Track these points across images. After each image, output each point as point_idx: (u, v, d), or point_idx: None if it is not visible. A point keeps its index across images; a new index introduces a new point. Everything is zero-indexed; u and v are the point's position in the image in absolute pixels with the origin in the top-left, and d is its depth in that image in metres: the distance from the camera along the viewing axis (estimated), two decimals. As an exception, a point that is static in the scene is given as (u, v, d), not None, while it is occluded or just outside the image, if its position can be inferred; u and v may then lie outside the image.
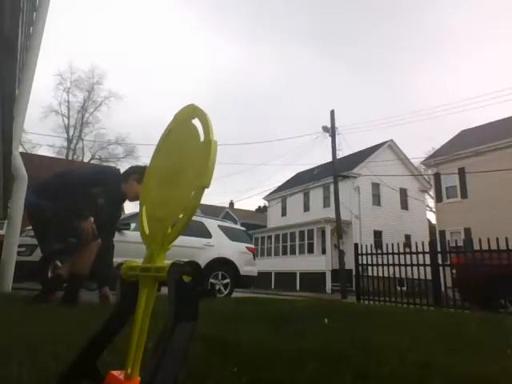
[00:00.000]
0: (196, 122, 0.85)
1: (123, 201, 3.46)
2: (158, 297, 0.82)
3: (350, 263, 12.44)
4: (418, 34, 64.44)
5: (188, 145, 0.86)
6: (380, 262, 7.29)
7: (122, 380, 0.77)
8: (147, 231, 0.88)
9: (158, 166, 0.98)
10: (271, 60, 66.04)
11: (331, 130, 15.69)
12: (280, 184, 27.99)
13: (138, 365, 0.77)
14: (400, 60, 65.08)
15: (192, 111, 0.88)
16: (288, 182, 27.92)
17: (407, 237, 19.72)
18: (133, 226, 6.31)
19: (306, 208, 23.18)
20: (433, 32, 63.69)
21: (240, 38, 66.71)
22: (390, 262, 7.06)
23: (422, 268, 6.65)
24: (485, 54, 62.93)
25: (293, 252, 21.24)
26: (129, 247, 5.77)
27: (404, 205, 21.86)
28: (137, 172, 3.26)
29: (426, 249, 6.77)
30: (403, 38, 68.21)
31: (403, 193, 21.82)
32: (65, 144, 35.45)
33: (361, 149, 23.42)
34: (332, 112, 15.88)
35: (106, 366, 0.87)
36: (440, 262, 7.10)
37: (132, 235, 6.03)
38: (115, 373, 0.80)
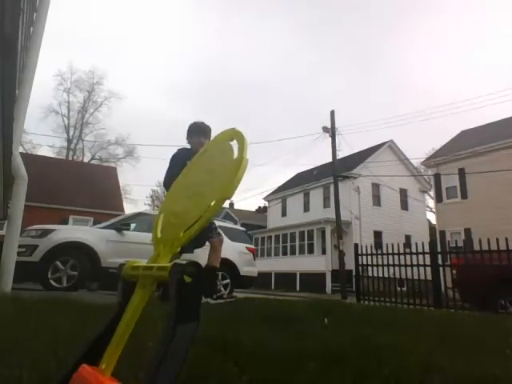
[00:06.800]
0: (233, 143, 0.89)
1: None
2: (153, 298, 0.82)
3: (350, 264, 12.43)
4: (419, 34, 64.52)
5: (219, 161, 0.90)
6: (380, 263, 7.29)
7: (94, 373, 0.73)
8: (159, 235, 0.90)
9: (185, 179, 1.01)
10: (270, 59, 66.11)
11: (331, 131, 15.68)
12: (280, 184, 28.01)
13: (114, 362, 0.76)
14: (400, 60, 65.12)
15: (232, 134, 0.91)
16: (288, 182, 27.91)
17: (407, 237, 19.71)
18: (132, 226, 6.31)
19: (306, 208, 23.17)
20: (433, 32, 63.80)
21: (239, 37, 66.80)
22: (390, 262, 7.06)
23: (422, 268, 6.65)
24: (485, 54, 63.01)
25: (293, 252, 21.23)
26: (129, 247, 5.79)
27: (404, 205, 21.85)
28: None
29: (426, 249, 6.77)
30: (405, 38, 68.28)
31: (403, 193, 21.81)
32: (65, 144, 35.51)
33: (361, 149, 23.44)
34: (332, 112, 15.88)
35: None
36: (440, 262, 7.09)
37: (132, 236, 6.03)
38: (88, 367, 0.76)
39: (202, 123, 3.65)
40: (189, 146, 3.71)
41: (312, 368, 1.29)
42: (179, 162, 3.50)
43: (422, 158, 28.05)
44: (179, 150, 3.75)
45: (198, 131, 3.60)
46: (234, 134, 0.90)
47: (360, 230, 19.21)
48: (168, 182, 3.53)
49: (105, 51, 57.36)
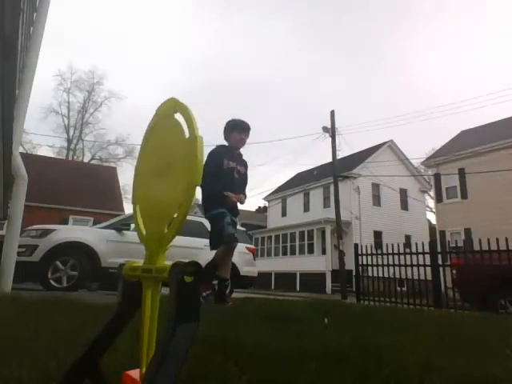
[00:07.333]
0: (179, 116, 0.84)
1: None
2: (162, 297, 0.82)
3: (350, 264, 12.43)
4: (419, 34, 64.49)
5: (173, 141, 0.85)
6: (380, 263, 7.29)
7: (137, 380, 0.77)
8: (144, 231, 0.88)
9: (147, 163, 0.97)
10: (270, 59, 66.07)
11: (331, 131, 15.68)
12: (280, 184, 27.99)
13: None
14: (400, 60, 65.10)
15: (173, 105, 0.87)
16: (288, 182, 27.91)
17: (407, 237, 19.72)
18: (132, 226, 6.30)
19: (306, 208, 23.18)
20: (433, 32, 63.76)
21: (239, 37, 66.77)
22: (390, 262, 7.06)
23: (422, 268, 6.65)
24: (485, 54, 62.97)
25: (293, 252, 21.23)
26: (130, 247, 5.78)
27: (404, 205, 21.86)
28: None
29: (426, 249, 6.77)
30: (405, 38, 68.24)
31: (403, 193, 21.82)
32: (65, 144, 35.53)
33: (361, 149, 23.45)
34: (332, 112, 15.88)
35: (106, 365, 0.87)
36: (440, 262, 7.09)
37: (132, 236, 6.02)
38: (130, 373, 0.80)
39: (240, 120, 3.72)
40: (222, 144, 3.78)
41: (312, 368, 1.29)
42: (216, 158, 3.54)
43: (422, 158, 28.07)
44: (217, 146, 3.79)
45: (236, 128, 3.66)
46: (176, 105, 0.85)
47: (360, 230, 19.21)
48: (210, 182, 3.25)
49: (105, 51, 57.43)
